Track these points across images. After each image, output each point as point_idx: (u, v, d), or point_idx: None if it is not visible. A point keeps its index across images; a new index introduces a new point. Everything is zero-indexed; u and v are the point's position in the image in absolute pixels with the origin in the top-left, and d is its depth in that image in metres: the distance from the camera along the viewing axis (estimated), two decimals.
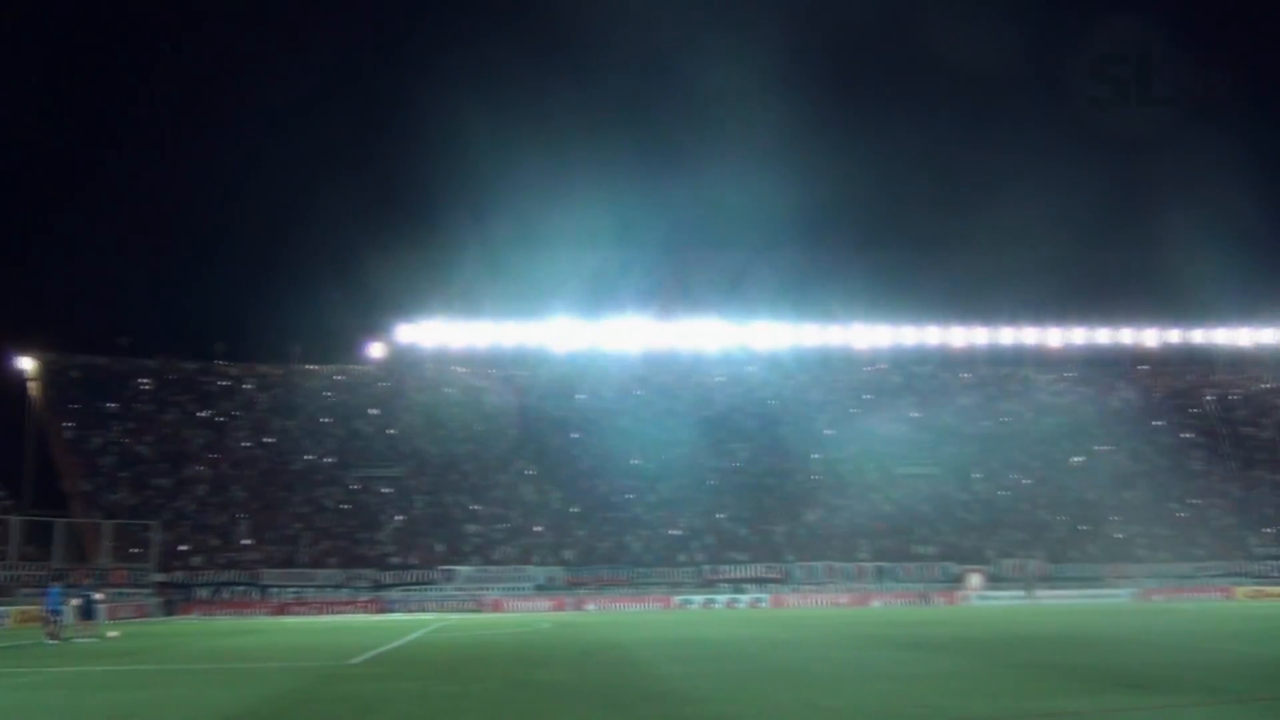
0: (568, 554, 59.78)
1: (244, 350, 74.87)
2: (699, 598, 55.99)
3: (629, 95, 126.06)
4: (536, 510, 63.82)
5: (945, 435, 72.76)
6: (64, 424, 65.34)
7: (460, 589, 56.36)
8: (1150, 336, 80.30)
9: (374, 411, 72.06)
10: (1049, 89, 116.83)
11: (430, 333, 76.07)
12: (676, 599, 55.78)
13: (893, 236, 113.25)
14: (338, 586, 56.00)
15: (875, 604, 55.62)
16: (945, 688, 17.09)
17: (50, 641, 30.67)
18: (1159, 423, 74.52)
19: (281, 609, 53.33)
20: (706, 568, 59.05)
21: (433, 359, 76.78)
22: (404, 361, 76.72)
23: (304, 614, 52.40)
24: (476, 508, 63.55)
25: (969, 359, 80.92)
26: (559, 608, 54.36)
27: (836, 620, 40.05)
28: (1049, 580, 57.98)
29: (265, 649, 29.23)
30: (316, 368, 75.56)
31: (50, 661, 25.02)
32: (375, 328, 76.92)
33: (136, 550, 55.24)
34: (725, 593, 56.93)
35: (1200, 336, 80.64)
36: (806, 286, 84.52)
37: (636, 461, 68.40)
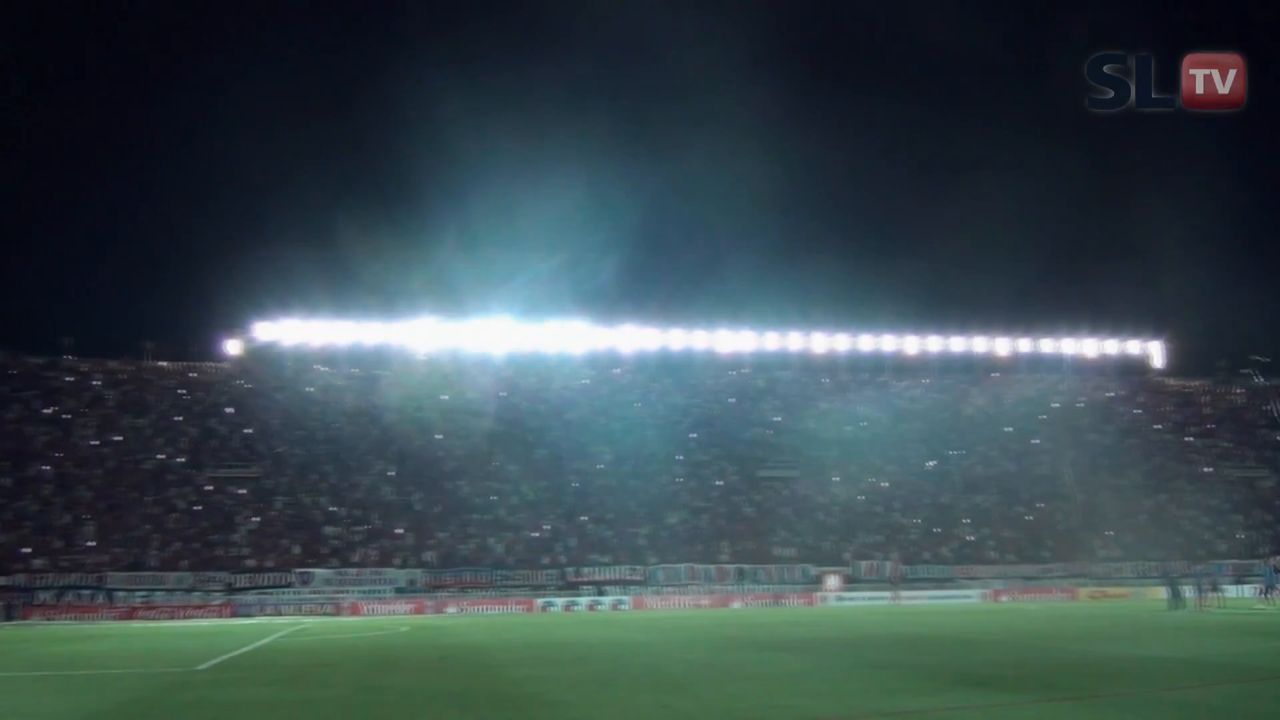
0: (429, 556, 59.06)
1: (93, 345, 72.51)
2: (561, 600, 55.90)
3: (505, 95, 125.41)
4: (397, 512, 62.89)
5: (806, 439, 74.10)
6: None
7: (317, 592, 55.25)
8: (1002, 345, 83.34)
9: (229, 410, 70.17)
10: (914, 111, 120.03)
11: (290, 331, 74.60)
12: (539, 602, 55.57)
13: (757, 245, 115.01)
14: (189, 590, 54.34)
15: (736, 605, 56.26)
16: (799, 688, 17.35)
17: None
18: (1009, 429, 77.05)
19: (129, 613, 51.50)
20: (569, 570, 58.99)
21: (292, 357, 75.29)
22: (262, 360, 75.04)
23: (153, 618, 50.69)
24: (335, 509, 62.35)
25: (830, 365, 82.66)
26: (419, 611, 53.69)
27: (696, 622, 40.36)
28: (903, 581, 59.44)
29: (109, 655, 28.20)
30: (169, 365, 73.37)
31: None
32: (232, 325, 75.25)
33: None
34: (588, 595, 56.94)
35: (1049, 346, 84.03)
36: (672, 291, 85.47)
37: (500, 463, 68.06)
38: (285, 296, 74.04)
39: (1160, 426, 79.72)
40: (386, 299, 75.45)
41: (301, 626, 42.32)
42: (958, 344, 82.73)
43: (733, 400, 78.58)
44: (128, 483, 62.14)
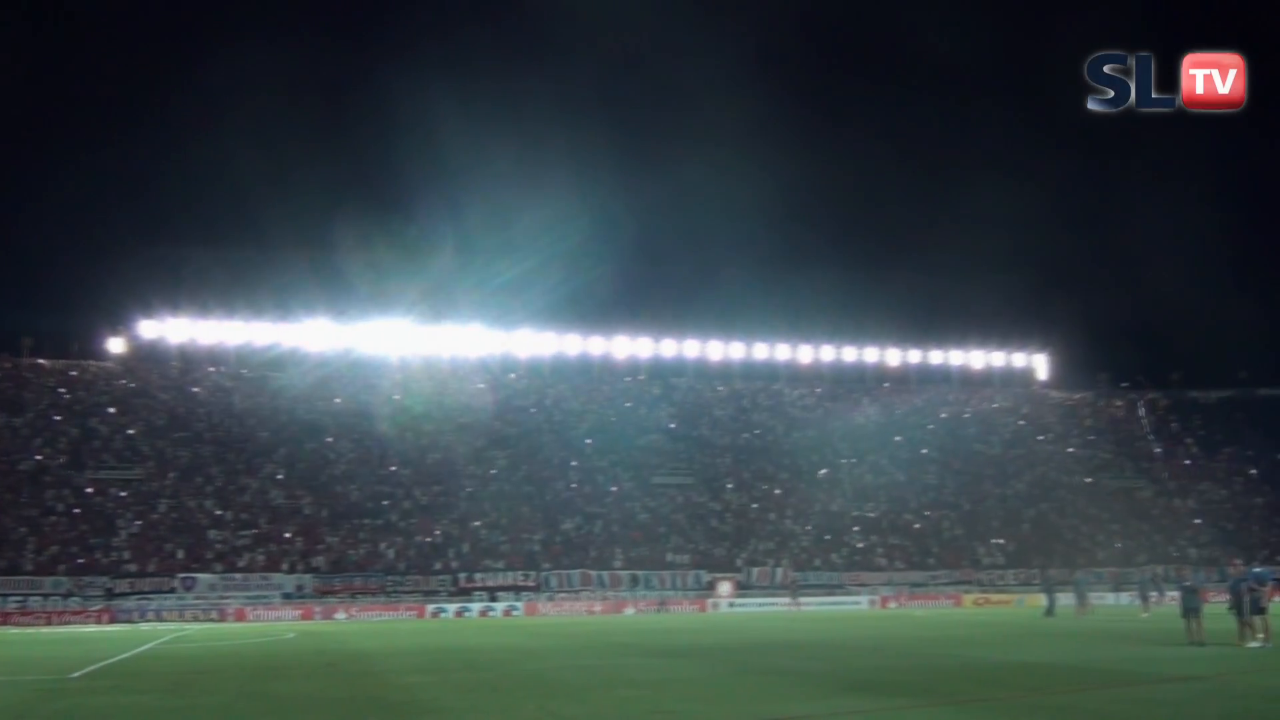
0: (318, 561, 58.05)
1: None
2: (453, 606, 55.42)
3: (407, 95, 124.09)
4: (286, 516, 61.70)
5: (700, 446, 74.59)
6: None
7: (201, 598, 53.97)
8: (893, 356, 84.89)
9: (111, 410, 68.19)
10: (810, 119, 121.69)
11: (177, 329, 72.84)
12: (430, 608, 55.03)
13: (654, 252, 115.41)
14: (66, 595, 52.63)
15: (629, 612, 56.36)
16: (686, 694, 17.46)
17: None
18: (899, 438, 78.45)
19: (2, 619, 49.63)
20: (462, 576, 58.48)
21: (178, 357, 73.52)
22: (147, 358, 73.15)
23: (28, 624, 48.94)
24: (221, 513, 60.92)
25: (725, 372, 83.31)
26: (307, 617, 52.77)
27: (588, 628, 40.38)
28: (799, 588, 60.05)
29: None
30: (48, 362, 71.05)
31: None
32: (116, 322, 73.14)
33: None
34: (480, 601, 56.56)
35: (938, 357, 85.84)
36: (571, 296, 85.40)
37: (393, 468, 67.27)
38: (174, 295, 72.35)
39: (1043, 437, 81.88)
40: (279, 299, 74.06)
41: (184, 633, 41.33)
42: (850, 354, 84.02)
43: (628, 405, 78.74)
44: (3, 484, 59.95)
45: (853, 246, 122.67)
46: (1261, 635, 25.15)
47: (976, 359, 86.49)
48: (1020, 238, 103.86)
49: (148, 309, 72.16)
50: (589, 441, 73.50)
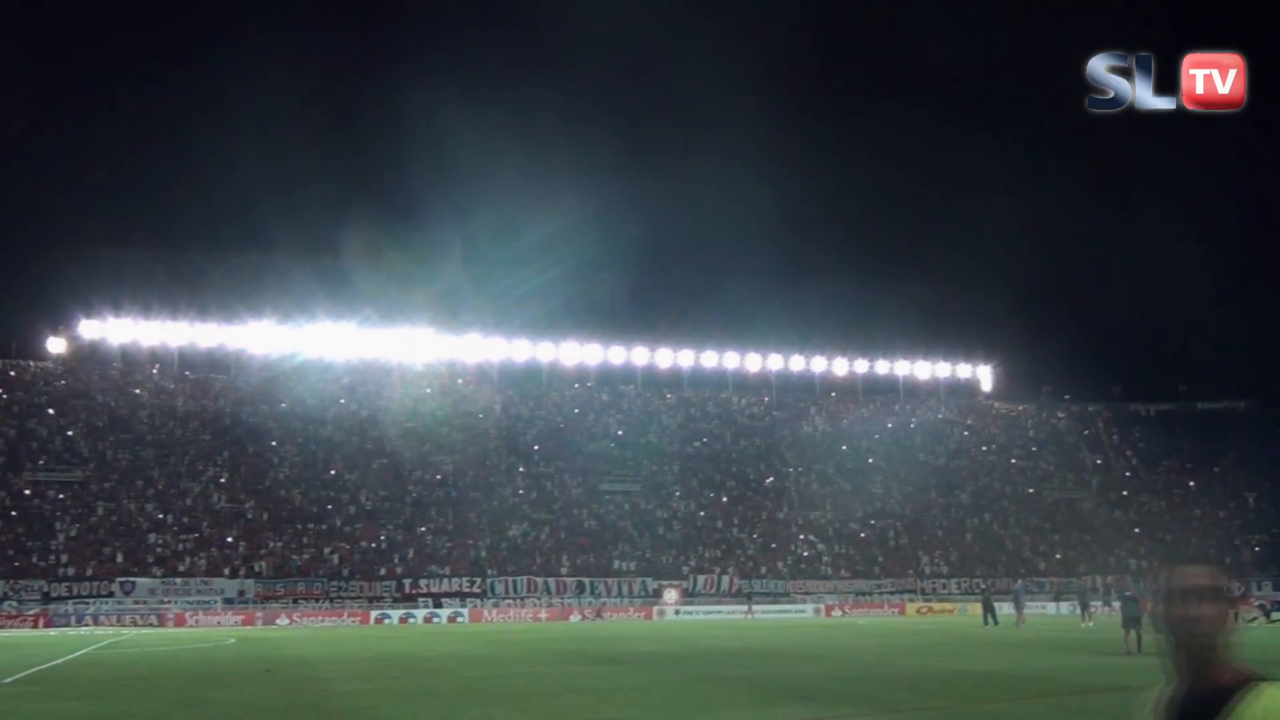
0: (260, 566, 57.40)
1: None
2: (397, 613, 55.02)
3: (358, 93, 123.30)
4: (228, 520, 60.94)
5: (648, 453, 74.62)
6: None
7: (140, 602, 53.18)
8: (840, 366, 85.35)
9: (50, 411, 67.02)
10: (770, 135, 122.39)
11: (119, 330, 71.74)
12: (374, 614, 54.58)
13: (603, 259, 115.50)
14: (1, 599, 51.66)
15: (574, 619, 56.25)
16: (629, 701, 17.44)
17: None
18: (845, 447, 78.94)
19: None
20: (407, 582, 58.06)
21: (120, 358, 72.43)
22: (88, 359, 72.00)
23: None
24: (162, 516, 60.07)
25: (673, 380, 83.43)
26: (248, 623, 52.17)
27: (533, 635, 40.23)
28: (742, 595, 60.23)
29: None
30: None
31: None
32: (56, 322, 71.93)
33: None
34: (425, 607, 56.20)
35: (884, 368, 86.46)
36: (519, 303, 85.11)
37: (337, 472, 66.68)
38: (116, 295, 71.23)
39: (987, 448, 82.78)
40: (223, 302, 73.12)
41: (121, 638, 40.65)
42: (798, 364, 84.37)
43: (577, 412, 78.61)
44: None
45: (802, 258, 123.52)
46: None
47: (922, 370, 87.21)
48: (968, 250, 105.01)
49: (89, 309, 71.07)
50: (536, 448, 73.31)
